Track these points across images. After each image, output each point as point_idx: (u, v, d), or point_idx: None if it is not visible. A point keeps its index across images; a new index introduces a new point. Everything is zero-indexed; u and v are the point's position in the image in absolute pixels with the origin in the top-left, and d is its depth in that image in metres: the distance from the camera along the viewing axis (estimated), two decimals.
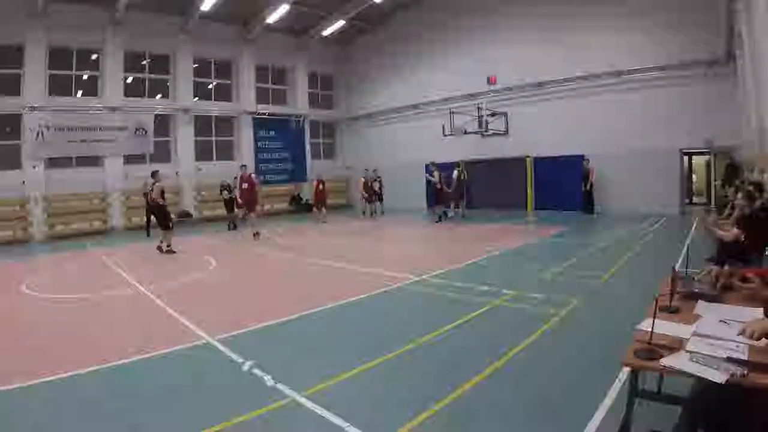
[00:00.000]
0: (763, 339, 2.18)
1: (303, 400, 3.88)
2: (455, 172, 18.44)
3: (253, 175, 15.97)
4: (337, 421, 3.53)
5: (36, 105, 18.16)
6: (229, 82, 24.43)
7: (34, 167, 18.27)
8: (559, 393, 3.88)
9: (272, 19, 22.27)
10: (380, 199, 21.38)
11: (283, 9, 21.42)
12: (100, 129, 19.79)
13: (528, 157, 19.75)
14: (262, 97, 25.30)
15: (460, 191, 18.82)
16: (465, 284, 7.65)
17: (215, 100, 24.02)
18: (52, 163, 18.97)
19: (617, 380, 3.82)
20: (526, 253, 10.79)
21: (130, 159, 20.78)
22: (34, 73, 18.23)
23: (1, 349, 5.55)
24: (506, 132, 20.30)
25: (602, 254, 10.13)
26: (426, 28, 23.53)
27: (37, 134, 18.25)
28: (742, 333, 2.24)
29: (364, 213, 21.02)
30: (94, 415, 3.83)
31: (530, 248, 11.36)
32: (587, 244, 11.35)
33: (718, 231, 6.38)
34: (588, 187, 17.47)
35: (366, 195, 20.84)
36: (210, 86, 23.98)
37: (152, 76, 21.91)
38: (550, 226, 14.51)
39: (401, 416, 3.54)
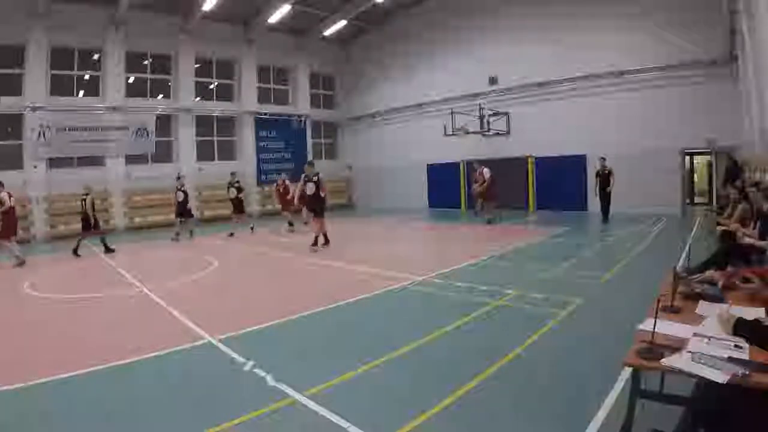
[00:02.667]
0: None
1: (304, 400, 3.88)
2: (486, 171, 16.37)
3: (4, 194, 11.93)
4: (339, 421, 3.53)
5: (37, 105, 18.18)
6: (230, 82, 24.42)
7: (35, 167, 18.30)
8: (560, 393, 3.87)
9: (273, 19, 22.31)
10: (241, 210, 17.44)
11: (284, 9, 21.45)
12: (101, 129, 19.81)
13: (530, 157, 19.74)
14: (263, 97, 25.34)
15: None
16: (465, 284, 7.64)
17: (217, 100, 24.03)
18: (54, 163, 19.00)
19: (619, 380, 3.81)
20: (526, 253, 10.78)
21: (131, 159, 20.79)
22: (36, 73, 18.23)
23: (3, 349, 5.56)
24: (508, 132, 20.31)
25: (603, 254, 10.14)
26: (426, 27, 23.52)
27: (39, 134, 18.27)
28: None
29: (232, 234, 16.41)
30: (95, 415, 3.83)
31: (531, 248, 11.35)
32: (588, 244, 11.36)
33: (742, 232, 6.20)
34: (609, 189, 15.37)
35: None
36: (211, 86, 23.98)
37: (153, 76, 21.91)
38: (551, 226, 14.50)
39: (402, 416, 3.54)
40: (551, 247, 11.48)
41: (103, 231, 13.88)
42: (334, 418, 3.57)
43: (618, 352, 2.69)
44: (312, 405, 3.79)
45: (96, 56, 20.20)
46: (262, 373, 4.43)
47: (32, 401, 4.13)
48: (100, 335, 6.02)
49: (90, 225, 13.58)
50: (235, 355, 4.95)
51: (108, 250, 13.44)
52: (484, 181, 16.29)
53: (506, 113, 20.26)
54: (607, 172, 15.40)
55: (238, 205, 17.14)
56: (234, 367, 4.67)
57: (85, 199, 13.62)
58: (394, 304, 7.08)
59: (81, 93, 19.95)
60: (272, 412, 3.72)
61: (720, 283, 3.28)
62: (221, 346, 5.30)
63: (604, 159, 15.53)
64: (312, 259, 10.84)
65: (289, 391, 4.05)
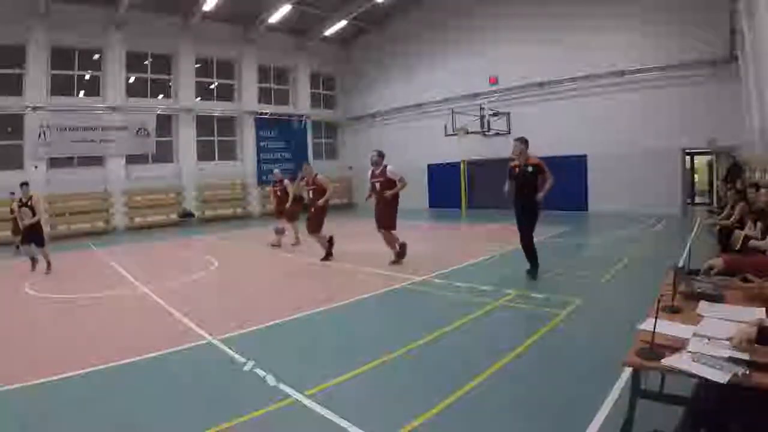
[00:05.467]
0: (746, 344, 2.17)
1: (305, 400, 3.87)
2: (392, 170, 10.08)
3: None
4: (339, 421, 3.53)
5: (38, 105, 18.23)
6: (231, 82, 24.47)
7: (35, 167, 18.32)
8: (560, 393, 3.87)
9: (274, 19, 22.34)
10: (38, 242, 10.96)
11: (285, 9, 21.48)
12: (101, 129, 19.86)
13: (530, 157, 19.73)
14: (264, 97, 25.39)
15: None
16: (466, 284, 7.64)
17: (217, 100, 24.08)
18: (54, 163, 19.04)
19: (619, 380, 3.80)
20: None
21: (132, 159, 20.83)
22: (36, 73, 18.31)
23: (3, 349, 5.55)
24: (508, 132, 20.30)
25: (603, 254, 10.12)
26: (427, 27, 23.56)
27: (39, 134, 18.32)
28: (731, 341, 2.24)
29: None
30: (95, 415, 3.83)
31: None
32: (588, 244, 11.35)
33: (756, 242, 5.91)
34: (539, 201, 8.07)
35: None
36: (212, 86, 24.04)
37: (154, 76, 21.96)
38: (551, 226, 14.45)
39: (402, 416, 3.54)
40: (551, 247, 11.42)
41: None
42: (335, 418, 3.56)
43: (618, 352, 2.69)
44: (312, 405, 3.79)
45: (96, 56, 20.24)
46: (263, 374, 4.42)
47: (32, 401, 4.13)
48: (99, 335, 6.02)
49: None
50: (235, 356, 4.95)
51: None
52: (390, 184, 9.95)
53: (507, 113, 20.26)
54: (530, 170, 8.22)
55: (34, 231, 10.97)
56: (234, 368, 4.66)
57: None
58: (394, 304, 7.08)
59: (81, 93, 19.98)
60: (273, 413, 3.72)
61: (720, 262, 3.22)
62: (221, 346, 5.29)
63: (521, 140, 8.38)
64: (312, 259, 10.82)
65: (290, 391, 4.04)
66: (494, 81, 20.97)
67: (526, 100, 19.93)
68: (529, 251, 8.20)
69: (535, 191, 8.00)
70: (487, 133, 19.86)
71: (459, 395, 3.85)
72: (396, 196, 9.96)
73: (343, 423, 3.49)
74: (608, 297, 6.75)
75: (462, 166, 21.73)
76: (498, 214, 18.04)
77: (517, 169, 8.22)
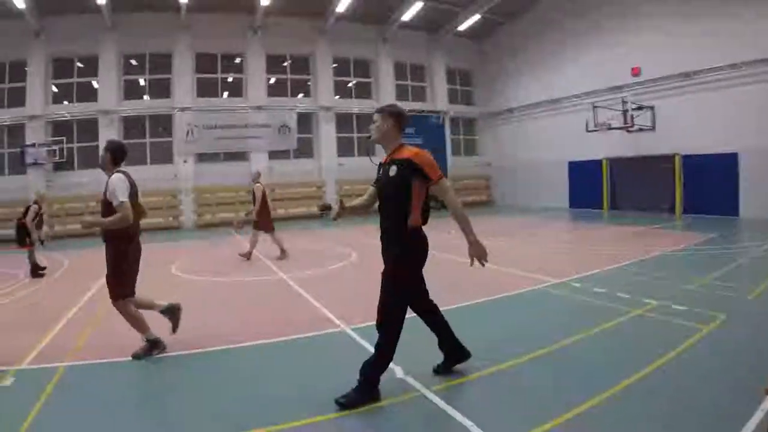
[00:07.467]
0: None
1: (430, 395, 3.94)
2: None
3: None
4: (463, 420, 3.54)
5: (185, 106, 20.53)
6: (367, 80, 25.29)
7: (184, 161, 20.60)
8: (694, 416, 3.54)
9: (407, 16, 22.71)
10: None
11: (417, 6, 21.84)
12: (246, 126, 21.66)
13: (677, 155, 18.18)
14: (401, 94, 25.89)
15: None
16: (603, 290, 7.26)
17: (355, 98, 25.07)
18: (201, 158, 21.23)
19: (760, 410, 3.42)
20: (670, 260, 9.97)
21: (273, 154, 22.49)
22: (183, 77, 20.78)
23: (188, 321, 5.86)
24: (652, 128, 18.88)
25: (754, 266, 9.09)
26: (564, 18, 22.59)
27: (187, 132, 20.56)
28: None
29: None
30: (221, 387, 4.23)
31: (675, 255, 10.46)
32: (739, 253, 10.29)
33: None
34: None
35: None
36: (349, 84, 25.09)
37: (293, 76, 23.39)
38: (698, 231, 13.32)
39: (529, 421, 3.47)
40: (697, 255, 10.52)
41: (32, 246, 10.36)
42: (458, 417, 3.58)
43: (762, 375, 2.49)
44: (437, 401, 3.85)
45: (238, 60, 22.17)
46: (392, 365, 4.42)
47: (205, 365, 4.79)
48: (247, 315, 6.81)
49: (24, 238, 10.39)
50: (366, 344, 5.15)
51: (35, 271, 10.37)
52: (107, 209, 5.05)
53: (651, 107, 18.83)
54: (394, 170, 4.06)
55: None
56: (363, 357, 4.79)
57: (29, 208, 10.49)
58: (530, 306, 6.91)
59: (225, 94, 22.08)
60: (397, 404, 3.85)
61: None
62: (353, 335, 5.59)
63: (385, 111, 4.19)
64: (462, 259, 10.84)
65: (417, 384, 4.13)
66: (637, 72, 19.61)
67: (672, 92, 18.30)
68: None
69: (399, 209, 4.09)
70: (630, 128, 18.58)
71: (591, 404, 3.70)
72: (120, 237, 5.01)
73: (467, 422, 3.50)
74: (755, 314, 6.03)
75: (604, 164, 20.67)
76: (642, 216, 17.04)
77: (380, 169, 4.31)
